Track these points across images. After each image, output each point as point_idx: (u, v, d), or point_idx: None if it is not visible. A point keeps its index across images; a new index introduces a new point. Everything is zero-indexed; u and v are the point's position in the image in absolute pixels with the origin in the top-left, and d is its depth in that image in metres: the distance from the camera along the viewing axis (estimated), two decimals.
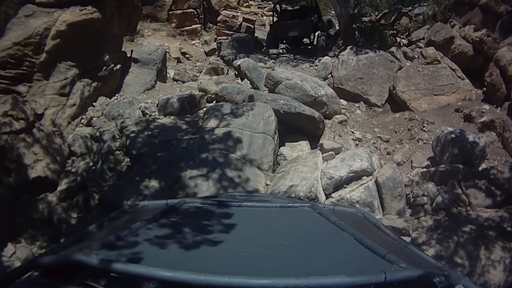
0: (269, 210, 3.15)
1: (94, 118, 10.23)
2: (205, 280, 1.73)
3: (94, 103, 10.79)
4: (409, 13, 18.34)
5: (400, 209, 8.02)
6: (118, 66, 11.76)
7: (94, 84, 10.75)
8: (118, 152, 8.80)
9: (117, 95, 11.63)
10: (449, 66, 12.60)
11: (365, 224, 3.05)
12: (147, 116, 10.24)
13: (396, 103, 12.23)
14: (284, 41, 18.72)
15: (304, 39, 18.98)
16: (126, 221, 2.80)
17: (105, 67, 11.06)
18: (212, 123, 9.04)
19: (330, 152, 8.76)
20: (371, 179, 8.09)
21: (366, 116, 11.96)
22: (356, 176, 8.08)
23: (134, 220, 2.63)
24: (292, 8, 21.07)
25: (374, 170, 8.37)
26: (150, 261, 1.98)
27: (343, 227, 2.55)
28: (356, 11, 16.82)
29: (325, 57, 14.41)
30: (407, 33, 17.27)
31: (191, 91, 11.76)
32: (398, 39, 16.34)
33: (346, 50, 14.13)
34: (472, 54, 13.35)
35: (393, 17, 17.50)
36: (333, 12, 20.49)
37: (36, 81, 9.55)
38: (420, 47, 14.44)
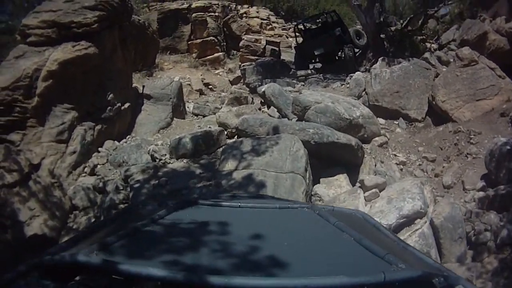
0: (269, 211, 3.16)
1: (99, 166, 9.12)
2: (206, 280, 1.74)
3: (100, 148, 9.67)
4: (435, 14, 17.40)
5: (461, 254, 7.02)
6: (127, 105, 10.69)
7: (98, 127, 9.65)
8: (122, 206, 7.63)
9: (128, 137, 10.49)
10: (487, 66, 11.61)
11: (365, 225, 3.06)
12: (157, 160, 9.15)
13: (437, 115, 11.31)
14: (313, 60, 18.33)
15: (333, 55, 18.20)
16: (126, 222, 2.83)
17: (109, 107, 9.96)
18: (230, 165, 7.87)
19: (373, 190, 7.76)
20: (426, 221, 7.09)
21: (407, 133, 11.05)
22: (407, 221, 7.08)
23: (135, 221, 2.66)
24: (315, 26, 20.64)
25: (428, 207, 7.34)
26: (150, 262, 1.98)
27: (342, 228, 2.55)
28: (382, 19, 16.12)
29: (356, 73, 13.69)
30: (436, 37, 16.55)
31: (209, 127, 10.61)
32: (428, 44, 15.59)
33: (378, 63, 13.38)
34: (508, 48, 12.72)
35: (420, 21, 16.69)
36: (359, 25, 19.48)
37: (30, 128, 8.50)
38: (453, 49, 13.88)
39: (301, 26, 19.62)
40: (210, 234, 2.54)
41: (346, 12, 24.07)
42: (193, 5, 20.85)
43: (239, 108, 12.14)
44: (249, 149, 8.04)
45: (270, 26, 26.52)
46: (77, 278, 2.18)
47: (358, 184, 8.23)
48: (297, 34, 19.49)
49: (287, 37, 26.06)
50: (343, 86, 14.10)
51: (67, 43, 9.05)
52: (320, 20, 19.78)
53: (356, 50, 17.35)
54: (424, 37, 16.05)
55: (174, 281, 1.78)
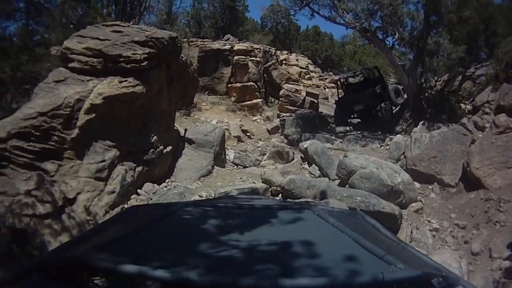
0: (268, 212, 3.05)
1: None
2: (207, 280, 1.72)
3: (138, 190, 9.12)
4: (472, 75, 17.41)
5: None
6: (169, 148, 10.19)
7: (139, 168, 9.10)
8: None
9: (167, 180, 9.99)
10: None
11: (364, 226, 3.01)
12: None
13: (470, 181, 11.00)
14: (352, 115, 18.60)
15: (372, 111, 18.32)
16: (128, 223, 2.80)
17: (152, 150, 9.46)
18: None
19: None
20: None
21: (441, 199, 10.97)
22: None
23: (136, 222, 2.72)
24: (356, 81, 20.48)
25: None
26: (151, 262, 1.94)
27: (341, 229, 2.54)
28: (423, 80, 16.23)
29: (397, 136, 13.72)
30: (471, 99, 16.12)
31: (253, 182, 10.20)
32: (463, 105, 15.76)
33: (418, 126, 13.43)
34: None
35: (457, 82, 16.73)
36: (392, 80, 20.04)
37: (67, 160, 7.89)
38: (487, 113, 13.92)
39: (343, 80, 19.73)
40: (211, 235, 2.51)
41: (381, 65, 23.88)
42: (235, 47, 20.73)
43: (285, 166, 11.82)
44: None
45: (309, 75, 26.58)
46: (78, 278, 2.10)
47: None
48: (338, 88, 19.62)
49: (324, 88, 26.19)
50: (382, 147, 14.14)
51: (114, 77, 8.54)
52: (362, 75, 19.70)
53: (394, 107, 17.78)
54: (459, 98, 16.13)
55: (174, 281, 1.75)
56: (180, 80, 11.32)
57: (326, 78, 30.04)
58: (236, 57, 20.17)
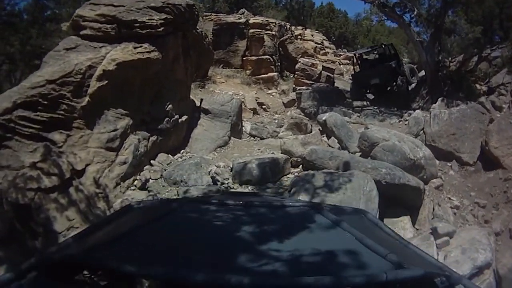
0: (270, 210, 3.03)
1: (151, 181, 8.27)
2: (207, 278, 1.72)
3: (152, 161, 8.78)
4: (488, 57, 17.37)
5: None
6: (184, 118, 9.87)
7: (153, 138, 8.76)
8: None
9: (182, 151, 9.72)
10: None
11: (367, 224, 2.96)
12: (218, 184, 8.33)
13: (488, 160, 11.22)
14: (368, 90, 18.69)
15: (387, 86, 18.47)
16: (127, 221, 2.77)
17: (167, 119, 9.11)
18: (302, 198, 7.15)
19: (445, 238, 7.92)
20: (491, 272, 7.41)
21: (460, 177, 11.07)
22: (479, 272, 7.28)
23: (136, 219, 2.69)
24: (372, 57, 20.41)
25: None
26: (150, 260, 1.93)
27: (344, 227, 2.51)
28: (440, 57, 16.17)
29: (416, 111, 13.69)
30: (487, 80, 16.12)
31: (272, 153, 9.90)
32: (479, 86, 15.75)
33: (437, 103, 13.69)
34: None
35: (473, 62, 16.70)
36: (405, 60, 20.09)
37: (76, 130, 7.51)
38: (502, 94, 13.86)
39: (359, 55, 19.71)
40: (212, 232, 2.51)
41: (395, 44, 23.74)
42: (251, 21, 20.40)
43: (305, 137, 11.56)
44: (322, 184, 7.52)
45: (324, 51, 26.40)
46: (77, 277, 2.12)
47: (429, 231, 8.24)
48: (354, 63, 19.64)
49: (339, 64, 25.80)
50: (401, 122, 14.15)
51: (128, 43, 8.14)
52: (377, 51, 19.65)
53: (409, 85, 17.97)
54: (474, 78, 16.18)
55: (173, 279, 1.77)
56: (196, 50, 10.93)
57: (340, 55, 29.76)
58: (251, 31, 19.86)
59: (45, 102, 7.15)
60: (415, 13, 16.31)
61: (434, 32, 16.14)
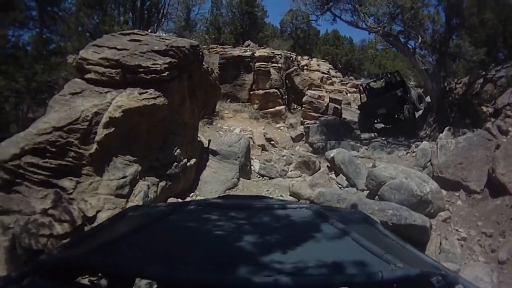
0: (268, 211, 3.03)
1: None
2: (208, 278, 1.74)
3: None
4: (493, 78, 17.22)
5: None
6: (193, 161, 9.77)
7: (162, 183, 8.61)
8: None
9: (191, 194, 9.62)
10: None
11: (363, 225, 2.96)
12: None
13: (495, 187, 10.87)
14: (376, 120, 18.81)
15: (394, 115, 18.52)
16: (128, 223, 2.77)
17: (176, 163, 8.99)
18: None
19: None
20: None
21: (468, 206, 10.87)
22: None
23: (137, 222, 2.68)
24: (378, 85, 20.69)
25: None
26: (151, 262, 1.95)
27: (340, 228, 2.53)
28: (446, 84, 16.13)
29: (423, 143, 13.67)
30: (493, 102, 15.97)
31: (281, 195, 9.91)
32: (485, 109, 15.54)
33: (444, 132, 13.48)
34: None
35: (478, 85, 16.60)
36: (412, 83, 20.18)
37: (85, 176, 7.40)
38: (509, 116, 13.86)
39: (365, 85, 19.79)
40: (211, 234, 2.50)
41: (401, 69, 23.98)
42: (256, 54, 20.47)
43: (313, 178, 11.56)
44: None
45: (330, 80, 26.47)
46: (79, 278, 2.12)
47: None
48: (361, 93, 19.88)
49: (346, 93, 25.79)
50: (408, 154, 14.18)
51: (133, 88, 8.07)
52: (383, 80, 19.94)
53: (416, 112, 18.15)
54: (480, 101, 16.02)
55: (174, 281, 1.75)
56: (202, 89, 10.86)
57: (347, 83, 29.84)
58: (257, 64, 19.96)
59: (53, 149, 7.08)
60: (420, 40, 16.33)
61: (439, 59, 16.15)
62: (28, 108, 14.55)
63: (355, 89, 26.65)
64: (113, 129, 7.62)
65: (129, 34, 9.39)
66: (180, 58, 8.79)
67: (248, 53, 20.30)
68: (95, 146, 7.45)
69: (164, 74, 8.31)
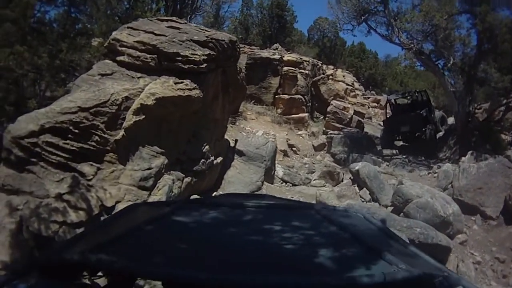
0: (269, 211, 3.05)
1: None
2: (208, 278, 1.70)
3: None
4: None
5: None
6: (220, 159, 9.51)
7: (187, 179, 8.21)
8: None
9: (214, 194, 9.31)
10: None
11: (365, 225, 2.92)
12: None
13: (510, 215, 11.23)
14: (398, 137, 18.85)
15: (416, 134, 18.37)
16: (127, 221, 2.74)
17: (203, 160, 8.64)
18: None
19: None
20: None
21: (483, 231, 11.12)
22: None
23: (136, 220, 2.66)
24: (404, 102, 20.61)
25: None
26: (150, 261, 1.94)
27: (343, 227, 2.54)
28: (471, 108, 16.20)
29: (446, 165, 13.86)
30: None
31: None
32: (504, 136, 15.91)
33: (467, 156, 13.80)
34: None
35: (500, 112, 16.71)
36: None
37: (107, 163, 6.95)
38: None
39: (392, 102, 19.78)
40: (212, 233, 2.44)
41: (422, 88, 23.92)
42: (285, 58, 20.19)
43: (341, 190, 11.60)
44: None
45: (354, 93, 26.43)
46: (77, 277, 2.04)
47: None
48: (387, 108, 19.97)
49: (368, 107, 26.05)
50: (430, 174, 14.35)
51: (168, 77, 7.66)
52: (410, 97, 19.84)
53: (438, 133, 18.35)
54: (499, 128, 16.28)
55: (174, 280, 1.74)
56: (232, 87, 10.53)
57: (369, 97, 29.73)
58: (285, 68, 19.69)
59: (76, 131, 6.63)
60: (451, 62, 16.31)
61: (467, 82, 16.13)
62: (47, 86, 14.27)
63: (376, 104, 27.31)
64: (143, 116, 7.21)
65: (166, 20, 9.10)
66: (219, 51, 8.44)
67: (277, 56, 20.03)
68: (122, 132, 7.03)
69: (202, 66, 7.92)
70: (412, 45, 16.32)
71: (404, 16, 17.19)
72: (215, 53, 8.27)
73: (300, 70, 20.18)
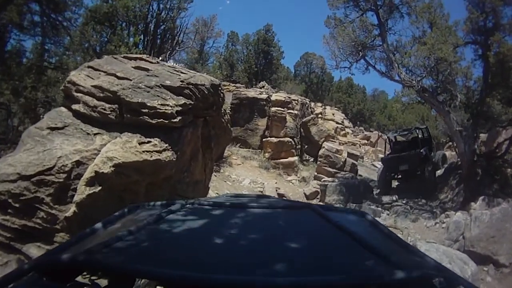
0: (269, 211, 2.88)
1: None
2: (208, 278, 1.66)
3: None
4: None
5: None
6: None
7: None
8: None
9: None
10: None
11: (365, 225, 2.83)
12: None
13: None
14: (396, 175, 18.30)
15: (415, 172, 17.74)
16: (127, 222, 2.60)
17: None
18: None
19: None
20: None
21: (497, 282, 10.64)
22: None
23: (136, 220, 2.56)
24: (404, 139, 20.14)
25: None
26: (151, 261, 1.88)
27: (342, 228, 2.41)
28: (476, 146, 15.25)
29: (456, 214, 12.92)
30: None
31: None
32: (509, 170, 15.03)
33: (478, 203, 13.07)
34: None
35: (503, 146, 15.60)
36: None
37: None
38: None
39: (392, 139, 19.37)
40: (211, 234, 2.28)
41: (410, 121, 23.83)
42: (273, 97, 19.38)
43: None
44: None
45: (344, 131, 25.95)
46: (78, 278, 1.96)
47: None
48: (386, 145, 19.74)
49: (359, 146, 25.65)
50: (437, 225, 13.56)
51: (132, 134, 6.06)
52: (411, 134, 19.22)
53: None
54: (501, 162, 15.43)
55: (174, 280, 1.64)
56: (215, 135, 8.97)
57: (358, 134, 29.28)
58: (273, 108, 18.91)
59: (17, 205, 5.29)
60: (459, 100, 15.35)
61: (474, 119, 15.25)
62: (20, 123, 13.18)
63: (367, 141, 27.55)
64: (99, 188, 5.62)
65: (135, 59, 7.53)
66: (197, 99, 6.88)
67: (264, 96, 19.25)
68: (73, 208, 5.48)
69: (175, 120, 6.32)
70: (414, 82, 15.26)
71: (405, 50, 16.37)
72: (192, 102, 6.70)
73: (289, 111, 19.40)
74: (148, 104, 6.16)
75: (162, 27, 19.05)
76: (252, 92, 19.47)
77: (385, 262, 1.89)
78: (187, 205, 2.91)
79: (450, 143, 18.45)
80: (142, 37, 17.56)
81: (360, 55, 16.06)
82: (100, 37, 16.09)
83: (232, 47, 33.89)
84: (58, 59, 14.48)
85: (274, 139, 18.13)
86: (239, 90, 19.72)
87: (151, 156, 5.92)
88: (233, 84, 22.15)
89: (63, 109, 6.44)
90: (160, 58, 14.23)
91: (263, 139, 18.22)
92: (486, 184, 14.35)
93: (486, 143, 15.98)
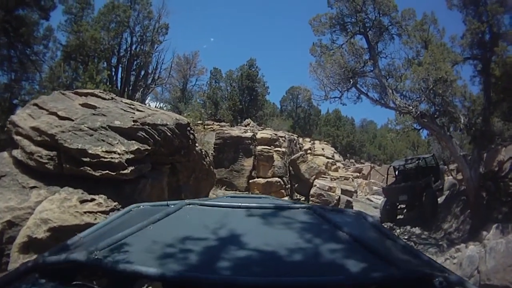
0: (269, 212, 2.99)
1: None
2: (208, 278, 1.74)
3: None
4: None
5: None
6: None
7: None
8: None
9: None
10: None
11: (364, 225, 2.95)
12: None
13: None
14: (399, 205, 17.76)
15: (415, 203, 17.15)
16: (127, 222, 2.73)
17: None
18: None
19: None
20: None
21: None
22: None
23: (135, 221, 2.62)
24: (408, 168, 19.22)
25: None
26: (150, 261, 1.97)
27: (342, 228, 2.52)
28: (481, 169, 14.16)
29: (469, 248, 12.36)
30: None
31: None
32: None
33: (491, 232, 12.17)
34: None
35: (507, 166, 14.40)
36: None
37: None
38: None
39: (396, 168, 18.75)
40: (210, 234, 2.39)
41: (401, 149, 23.04)
42: (258, 135, 18.53)
43: None
44: None
45: (335, 166, 25.67)
46: (77, 278, 1.97)
47: None
48: (388, 175, 19.37)
49: (352, 180, 24.79)
50: (448, 261, 12.61)
51: (72, 190, 4.89)
52: (416, 162, 18.42)
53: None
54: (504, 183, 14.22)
55: (174, 280, 1.73)
56: (193, 177, 7.91)
57: (349, 167, 28.59)
58: (259, 147, 17.95)
59: None
60: (463, 122, 14.21)
61: (477, 141, 14.21)
62: None
63: (359, 174, 27.07)
64: (35, 256, 4.45)
65: (86, 94, 6.39)
66: (157, 143, 5.67)
67: (249, 134, 18.23)
68: None
69: (125, 171, 5.08)
70: (411, 107, 14.15)
71: (398, 74, 15.33)
72: (148, 147, 5.49)
73: (276, 148, 18.41)
74: (90, 152, 5.00)
75: (136, 62, 18.31)
76: (236, 131, 18.56)
77: (386, 262, 1.96)
78: (189, 205, 2.96)
79: (446, 167, 17.76)
80: (114, 72, 16.67)
81: (351, 82, 14.94)
82: (72, 73, 15.36)
83: (216, 84, 33.40)
84: (33, 96, 13.67)
85: (262, 180, 17.21)
86: (222, 129, 18.80)
87: (95, 219, 4.71)
88: (217, 123, 21.33)
89: (5, 154, 5.44)
90: (136, 96, 13.20)
91: (250, 180, 17.28)
92: (494, 208, 13.54)
93: (485, 163, 14.79)
